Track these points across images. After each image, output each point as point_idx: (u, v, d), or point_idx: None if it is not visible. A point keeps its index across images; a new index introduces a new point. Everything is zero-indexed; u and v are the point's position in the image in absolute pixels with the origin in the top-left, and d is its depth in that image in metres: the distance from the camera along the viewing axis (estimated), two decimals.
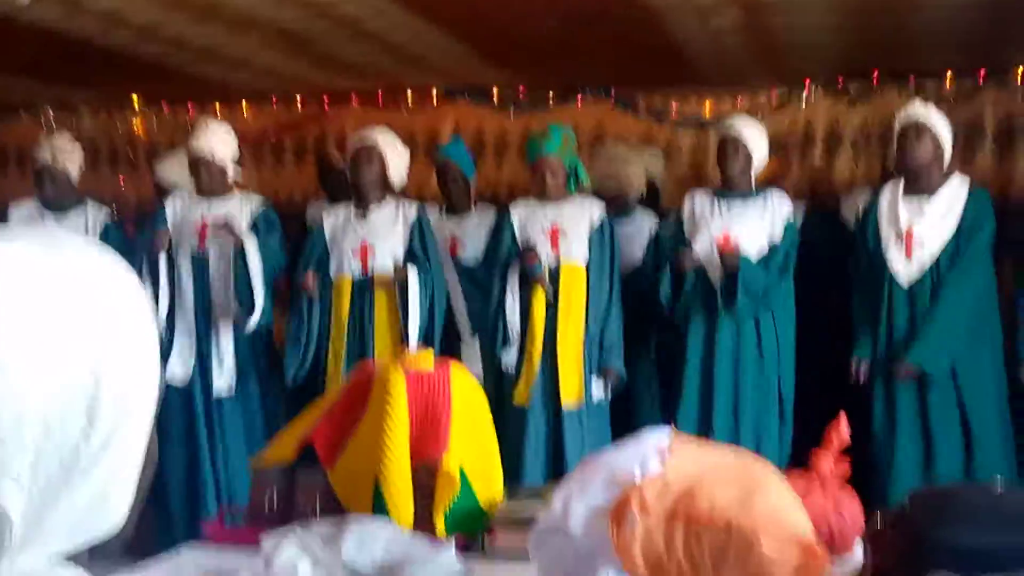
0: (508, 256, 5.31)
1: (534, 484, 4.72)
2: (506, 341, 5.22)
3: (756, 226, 5.18)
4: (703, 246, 5.18)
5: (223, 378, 5.40)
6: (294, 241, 5.85)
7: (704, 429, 5.01)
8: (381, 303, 5.30)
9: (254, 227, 5.47)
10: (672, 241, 5.35)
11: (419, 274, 5.26)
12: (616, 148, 6.32)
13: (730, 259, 5.04)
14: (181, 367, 5.36)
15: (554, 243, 5.22)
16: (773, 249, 5.16)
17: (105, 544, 0.87)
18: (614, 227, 5.32)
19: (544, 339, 5.18)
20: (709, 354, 5.15)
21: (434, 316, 5.29)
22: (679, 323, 5.26)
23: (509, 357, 5.24)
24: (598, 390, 5.21)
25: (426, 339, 5.22)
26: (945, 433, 4.88)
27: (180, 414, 5.35)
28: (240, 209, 5.50)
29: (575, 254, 5.21)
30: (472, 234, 5.75)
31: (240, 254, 5.33)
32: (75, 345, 0.79)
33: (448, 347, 5.38)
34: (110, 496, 0.84)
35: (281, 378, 5.45)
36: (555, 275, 5.21)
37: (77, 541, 0.84)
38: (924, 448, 4.92)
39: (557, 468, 5.05)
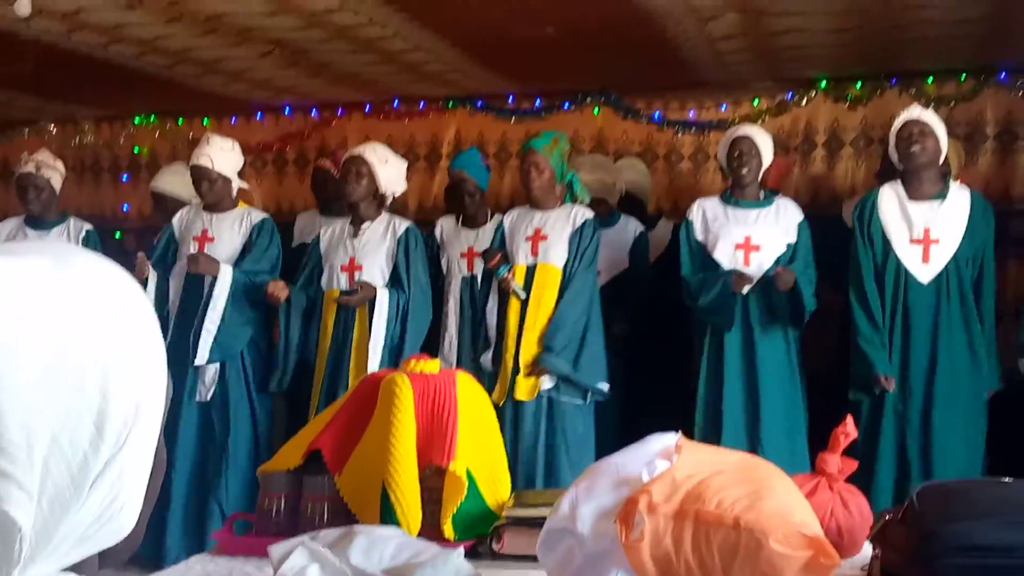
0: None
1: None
2: (486, 344, 5.25)
3: (774, 230, 5.23)
4: (725, 252, 5.21)
5: (205, 385, 5.45)
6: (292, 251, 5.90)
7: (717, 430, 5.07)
8: (361, 319, 5.32)
9: (251, 239, 5.51)
10: (695, 243, 5.35)
11: (392, 291, 5.27)
12: (594, 156, 6.43)
13: (786, 278, 5.05)
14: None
15: (534, 246, 5.24)
16: (795, 251, 5.22)
17: (115, 551, 0.87)
18: (596, 228, 5.32)
19: (518, 338, 5.19)
20: (751, 363, 5.18)
21: (405, 335, 5.30)
22: (709, 324, 5.29)
23: (487, 357, 5.26)
24: (546, 383, 5.16)
25: (397, 354, 5.23)
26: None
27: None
28: (240, 222, 5.55)
29: (553, 255, 5.23)
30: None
31: (211, 288, 5.42)
32: (83, 357, 0.79)
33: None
34: (120, 505, 0.83)
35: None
36: (531, 275, 5.23)
37: (87, 550, 0.84)
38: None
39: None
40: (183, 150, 7.19)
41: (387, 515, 2.29)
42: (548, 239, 5.24)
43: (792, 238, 5.24)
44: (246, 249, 5.54)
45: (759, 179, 5.33)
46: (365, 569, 1.88)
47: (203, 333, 5.36)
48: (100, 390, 0.80)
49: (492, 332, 5.27)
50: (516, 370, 5.15)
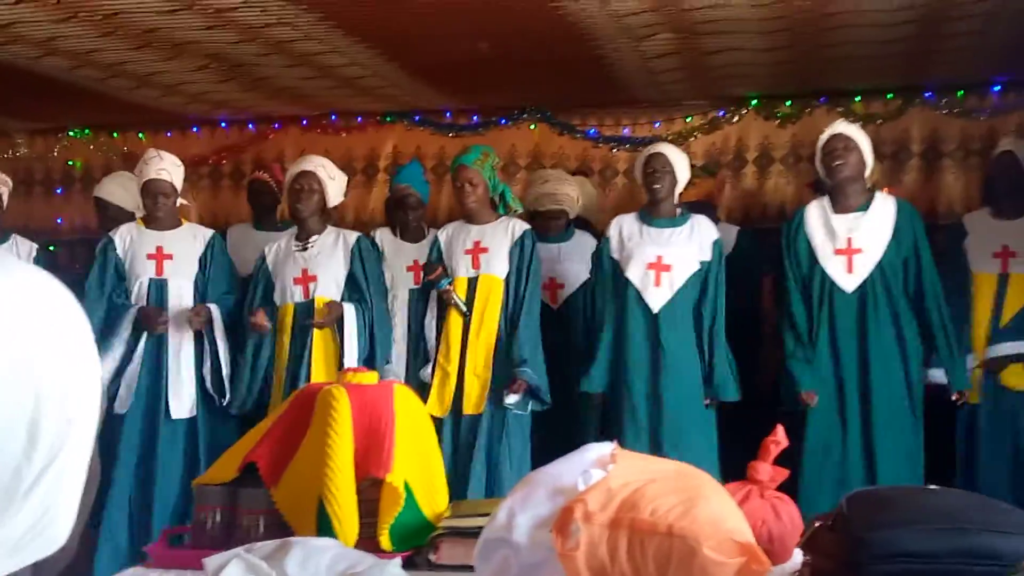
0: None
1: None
2: (426, 359, 5.25)
3: (686, 249, 5.26)
4: (636, 272, 5.24)
5: (182, 403, 5.38)
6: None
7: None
8: (321, 335, 5.30)
9: (206, 256, 5.50)
10: (608, 261, 5.39)
11: (357, 305, 5.28)
12: (556, 170, 6.44)
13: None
14: (126, 392, 5.35)
15: (475, 258, 5.27)
16: (708, 269, 5.25)
17: (49, 563, 0.87)
18: (535, 240, 5.35)
19: (461, 351, 5.20)
20: (655, 372, 5.22)
21: (375, 343, 5.30)
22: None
23: (426, 371, 5.27)
24: (512, 399, 5.15)
25: (369, 366, 5.23)
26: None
27: (136, 437, 5.34)
28: (194, 239, 5.52)
29: (494, 266, 5.26)
30: None
31: (211, 332, 5.39)
32: (16, 366, 0.79)
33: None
34: (53, 516, 0.83)
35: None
36: (473, 286, 5.25)
37: (20, 561, 0.83)
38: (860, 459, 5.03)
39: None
40: (117, 163, 7.11)
41: (324, 528, 2.28)
42: (489, 251, 5.26)
43: (707, 256, 5.26)
44: (202, 266, 5.50)
45: (674, 196, 5.34)
46: None
47: (224, 382, 5.34)
48: (33, 400, 0.79)
49: (431, 346, 5.28)
50: (461, 381, 5.16)
